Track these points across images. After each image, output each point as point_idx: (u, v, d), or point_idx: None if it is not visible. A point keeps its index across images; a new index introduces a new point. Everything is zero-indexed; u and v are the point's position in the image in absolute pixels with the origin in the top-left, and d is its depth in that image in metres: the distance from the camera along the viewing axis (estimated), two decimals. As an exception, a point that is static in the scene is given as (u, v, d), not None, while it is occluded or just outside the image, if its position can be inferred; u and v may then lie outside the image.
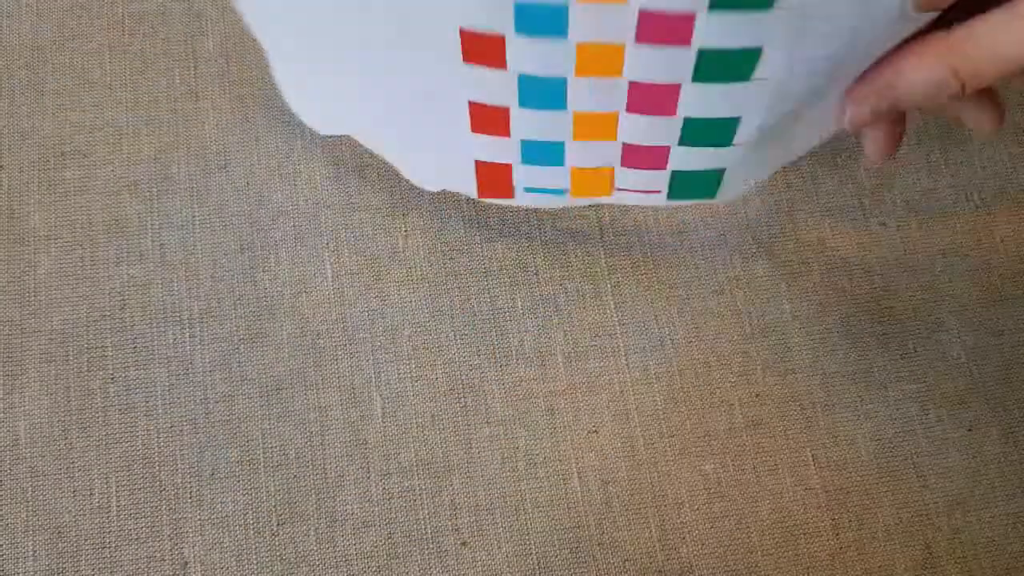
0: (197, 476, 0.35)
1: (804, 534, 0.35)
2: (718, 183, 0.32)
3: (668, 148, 0.30)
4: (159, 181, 0.38)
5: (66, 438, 0.35)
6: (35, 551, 0.34)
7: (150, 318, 0.37)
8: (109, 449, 0.35)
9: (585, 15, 0.26)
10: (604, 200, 0.34)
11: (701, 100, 0.28)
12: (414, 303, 0.38)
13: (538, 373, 0.37)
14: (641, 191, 0.33)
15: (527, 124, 0.30)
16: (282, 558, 0.34)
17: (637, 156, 0.31)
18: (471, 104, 0.29)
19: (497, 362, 0.37)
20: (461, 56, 0.27)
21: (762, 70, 0.26)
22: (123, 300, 0.37)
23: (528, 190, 0.34)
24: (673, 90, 0.27)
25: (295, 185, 0.39)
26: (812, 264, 0.38)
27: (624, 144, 0.30)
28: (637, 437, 0.36)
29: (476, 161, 0.32)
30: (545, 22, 0.26)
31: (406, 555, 0.35)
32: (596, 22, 0.26)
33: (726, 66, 0.26)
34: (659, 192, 0.33)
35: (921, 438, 0.36)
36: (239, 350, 0.37)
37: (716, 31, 0.25)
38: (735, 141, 0.29)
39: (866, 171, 0.39)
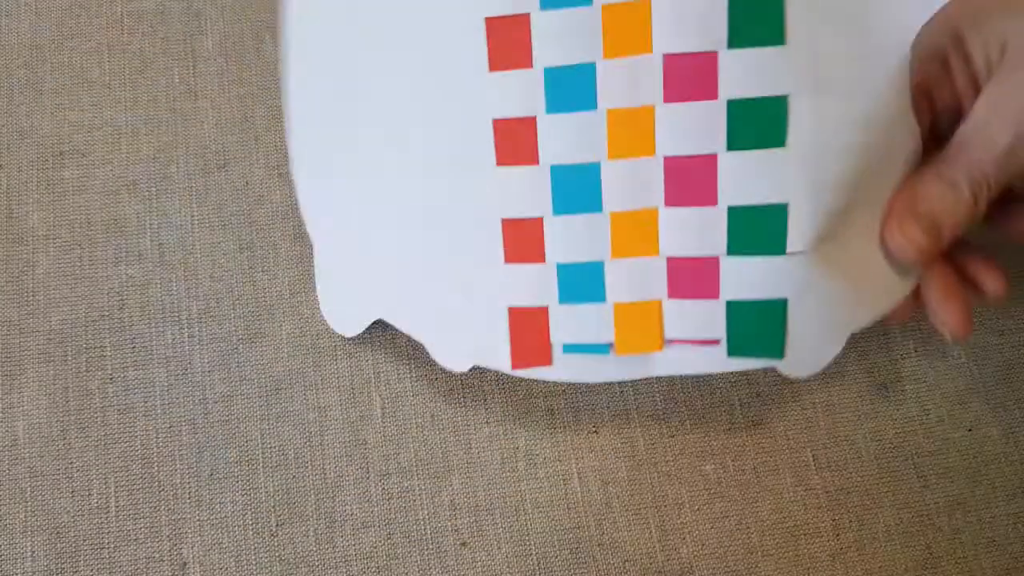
0: (196, 476, 0.35)
1: (804, 535, 0.35)
2: (782, 326, 0.29)
3: (718, 261, 0.28)
4: (158, 181, 0.38)
5: (64, 438, 0.35)
6: (33, 551, 0.34)
7: (149, 318, 0.37)
8: (108, 449, 0.35)
9: (613, 70, 0.27)
10: (656, 370, 0.30)
11: (740, 176, 0.27)
12: (414, 303, 0.38)
13: (538, 373, 0.37)
14: (697, 341, 0.29)
15: (563, 237, 0.29)
16: (281, 558, 0.34)
17: (685, 276, 0.29)
18: (504, 224, 0.29)
19: (497, 362, 0.37)
20: (495, 159, 0.28)
21: (793, 130, 0.27)
22: (122, 300, 0.37)
23: (568, 349, 0.30)
24: (710, 163, 0.27)
25: (294, 185, 0.39)
26: (812, 264, 0.38)
27: (669, 260, 0.29)
28: (637, 437, 0.36)
29: (510, 310, 0.30)
30: (574, 91, 0.27)
31: (405, 555, 0.34)
32: (624, 79, 0.27)
33: (757, 120, 0.27)
34: (717, 342, 0.29)
35: (922, 438, 0.36)
36: (238, 350, 0.37)
37: (739, 72, 0.26)
38: (788, 245, 0.28)
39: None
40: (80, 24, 0.40)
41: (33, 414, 0.35)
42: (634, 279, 0.29)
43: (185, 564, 0.34)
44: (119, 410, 0.36)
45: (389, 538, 0.35)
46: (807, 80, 0.27)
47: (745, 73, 0.26)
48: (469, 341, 0.30)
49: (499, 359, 0.30)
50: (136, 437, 0.35)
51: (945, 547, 0.35)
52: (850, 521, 0.35)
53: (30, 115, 0.39)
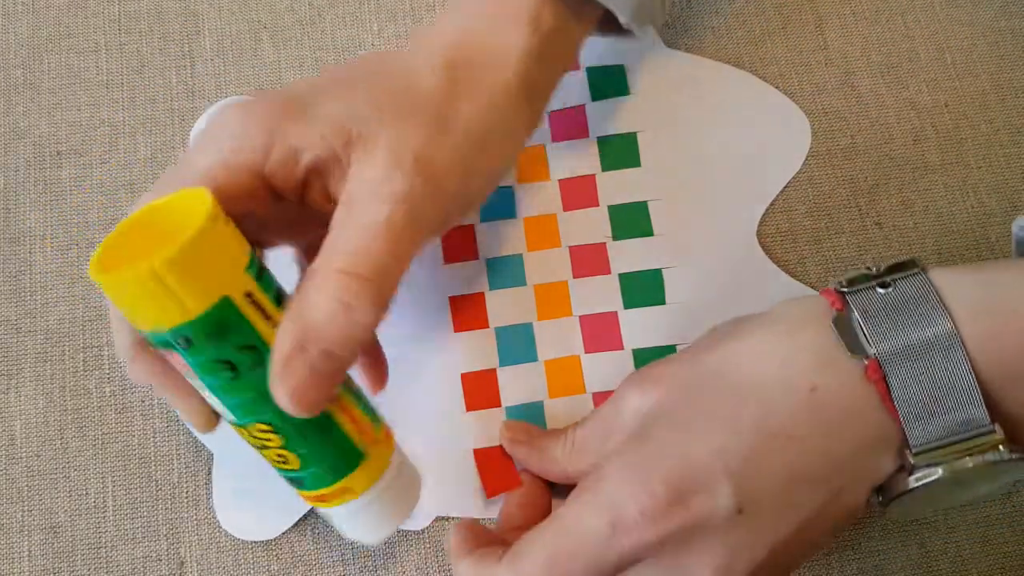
0: (193, 475, 0.35)
1: (800, 533, 0.35)
2: None
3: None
4: (155, 181, 0.38)
5: (62, 437, 0.35)
6: (31, 551, 0.34)
7: (146, 317, 0.37)
8: (105, 448, 0.35)
9: (535, 259, 0.37)
10: None
11: (637, 327, 0.36)
12: (411, 302, 0.38)
13: (535, 372, 0.37)
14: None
15: (511, 383, 0.35)
16: (279, 558, 0.34)
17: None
18: (464, 377, 0.35)
19: (494, 361, 0.37)
20: (452, 327, 0.36)
21: (668, 292, 0.36)
22: (119, 299, 0.37)
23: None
24: (613, 318, 0.36)
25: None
26: (808, 264, 0.38)
27: (593, 395, 0.36)
28: (633, 436, 0.36)
29: (475, 451, 0.35)
30: (508, 275, 0.36)
31: (403, 555, 0.35)
32: (543, 264, 0.37)
33: (642, 286, 0.36)
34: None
35: (916, 437, 0.36)
36: (235, 349, 0.37)
37: (624, 255, 0.37)
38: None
39: (861, 171, 0.39)
40: (77, 24, 0.40)
41: (30, 413, 0.35)
42: (569, 415, 0.35)
43: (183, 563, 0.34)
44: (116, 409, 0.36)
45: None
46: (674, 257, 0.37)
47: (628, 255, 0.37)
48: (430, 497, 0.33)
49: (465, 504, 0.34)
50: (133, 436, 0.35)
51: (939, 546, 0.35)
52: (845, 520, 0.35)
53: (27, 115, 0.39)
